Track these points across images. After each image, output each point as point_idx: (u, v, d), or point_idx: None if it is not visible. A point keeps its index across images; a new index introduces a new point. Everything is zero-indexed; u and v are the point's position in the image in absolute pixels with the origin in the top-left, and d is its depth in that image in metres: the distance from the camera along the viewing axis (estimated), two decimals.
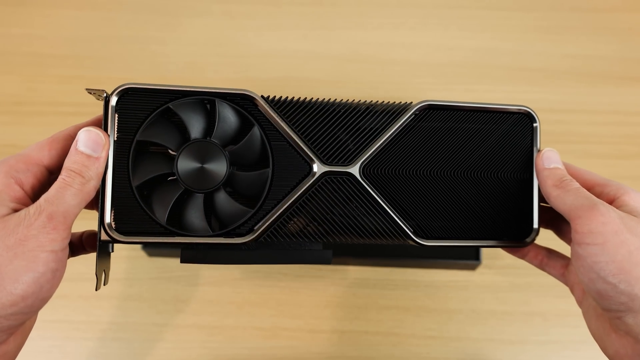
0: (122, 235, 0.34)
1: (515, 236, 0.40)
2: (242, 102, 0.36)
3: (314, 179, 0.36)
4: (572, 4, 0.65)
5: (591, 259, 0.33)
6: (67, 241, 0.31)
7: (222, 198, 0.36)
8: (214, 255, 0.36)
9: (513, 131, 0.40)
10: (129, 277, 0.55)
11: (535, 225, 0.40)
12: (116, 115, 0.34)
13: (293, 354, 0.53)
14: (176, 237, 0.35)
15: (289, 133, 0.36)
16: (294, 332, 0.54)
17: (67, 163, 0.32)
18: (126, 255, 0.55)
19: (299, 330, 0.54)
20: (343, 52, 0.62)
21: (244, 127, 0.36)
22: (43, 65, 0.60)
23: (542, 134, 0.60)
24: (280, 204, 0.36)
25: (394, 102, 0.38)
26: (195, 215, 0.35)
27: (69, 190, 0.31)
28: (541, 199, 0.40)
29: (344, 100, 0.37)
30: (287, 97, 0.36)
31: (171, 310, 0.54)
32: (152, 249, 0.54)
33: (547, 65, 0.63)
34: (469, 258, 0.55)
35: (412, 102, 0.38)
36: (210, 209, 0.36)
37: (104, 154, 0.33)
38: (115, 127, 0.34)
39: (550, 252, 0.43)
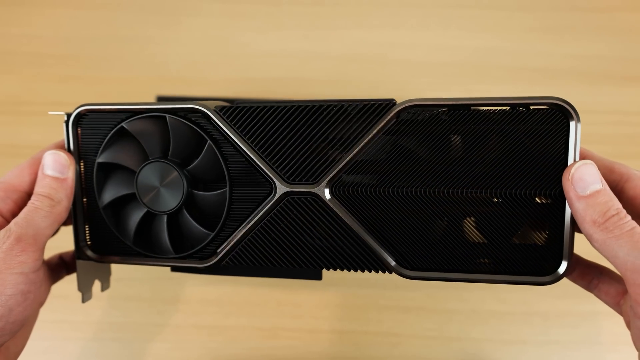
0: (96, 255, 0.35)
1: (531, 270, 0.30)
2: (194, 116, 0.33)
3: (274, 199, 0.33)
4: (572, 3, 0.65)
5: None
6: (39, 262, 0.31)
7: (183, 219, 0.35)
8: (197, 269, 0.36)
9: (536, 133, 0.29)
10: (129, 277, 0.55)
11: (565, 259, 0.29)
12: (79, 137, 0.35)
13: (293, 354, 0.53)
14: (144, 259, 0.35)
15: (244, 149, 0.32)
16: (294, 332, 0.54)
17: (36, 188, 0.33)
18: None
19: (299, 330, 0.54)
20: (343, 52, 0.62)
21: (201, 144, 0.34)
22: (43, 65, 0.60)
23: None
24: (241, 227, 0.33)
25: (372, 100, 0.30)
26: (159, 235, 0.35)
27: (38, 213, 0.31)
28: (574, 224, 0.29)
29: (308, 102, 0.31)
30: (244, 106, 0.32)
31: (171, 310, 0.54)
32: None
33: (547, 65, 0.63)
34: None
35: (394, 101, 0.30)
36: (175, 228, 0.35)
37: (70, 174, 0.33)
38: (79, 149, 0.35)
39: (603, 273, 0.33)
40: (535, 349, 0.54)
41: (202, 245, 0.34)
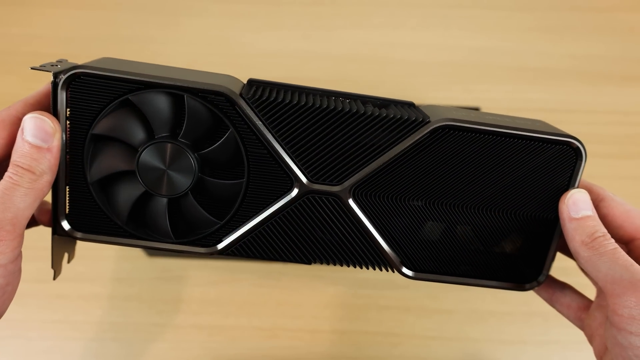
0: (79, 233, 0.32)
1: (516, 278, 0.34)
2: (217, 99, 0.30)
3: (292, 197, 0.32)
4: (572, 3, 0.65)
5: (634, 352, 0.26)
6: (19, 250, 0.27)
7: (188, 204, 0.32)
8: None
9: (548, 165, 0.32)
10: (129, 277, 0.55)
11: (545, 272, 0.34)
12: (68, 101, 0.30)
13: (293, 354, 0.53)
14: (136, 240, 0.32)
15: (270, 141, 0.31)
16: (294, 332, 0.54)
17: (15, 157, 0.27)
18: (126, 255, 0.55)
19: (299, 330, 0.54)
20: (343, 52, 0.62)
21: (219, 128, 0.31)
22: None
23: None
24: (251, 219, 0.32)
25: (407, 116, 0.31)
26: (157, 219, 0.32)
27: (17, 191, 0.27)
28: (562, 246, 0.33)
29: (345, 107, 0.31)
30: (274, 96, 0.31)
31: (171, 310, 0.54)
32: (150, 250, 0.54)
33: (547, 65, 0.63)
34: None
35: (429, 121, 0.31)
36: (176, 211, 0.33)
37: (55, 143, 0.28)
38: (67, 114, 0.30)
39: (564, 287, 0.36)
40: (535, 349, 0.54)
41: (207, 232, 0.32)
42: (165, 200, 0.32)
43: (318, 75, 0.61)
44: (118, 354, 0.53)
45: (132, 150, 0.31)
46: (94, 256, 0.54)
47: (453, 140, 0.31)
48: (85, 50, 0.61)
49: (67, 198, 0.31)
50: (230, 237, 0.32)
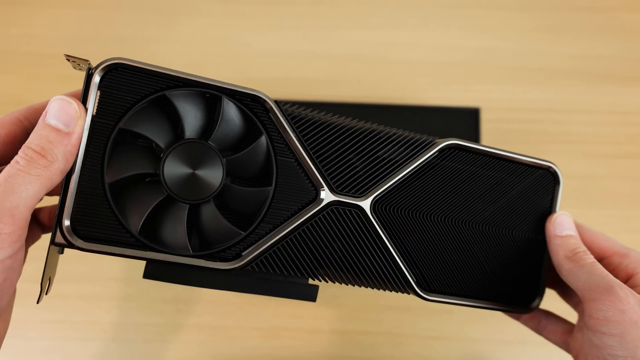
0: (81, 241, 0.27)
1: (519, 300, 0.37)
2: (251, 104, 0.30)
3: (319, 207, 0.31)
4: (572, 3, 0.65)
5: (607, 351, 0.29)
6: (20, 242, 0.24)
7: (209, 212, 0.30)
8: (185, 275, 0.30)
9: (535, 187, 0.37)
10: (129, 277, 0.55)
11: (540, 294, 0.37)
12: (98, 93, 0.28)
13: (293, 354, 0.53)
14: (149, 253, 0.28)
15: (299, 150, 0.31)
16: (294, 332, 0.54)
17: (29, 139, 0.25)
18: None
19: (299, 330, 0.54)
20: (343, 52, 0.62)
21: (248, 134, 0.31)
22: (43, 65, 0.60)
23: (542, 135, 0.60)
24: (276, 231, 0.30)
25: (419, 136, 0.34)
26: (175, 228, 0.29)
27: (22, 178, 0.24)
28: (552, 266, 0.37)
29: (366, 124, 0.33)
30: (303, 108, 0.32)
31: (171, 310, 0.54)
32: None
33: (547, 65, 0.63)
34: None
35: (437, 140, 0.35)
36: (191, 222, 0.30)
37: (77, 129, 0.26)
38: (95, 107, 0.28)
39: (549, 316, 0.39)
40: (535, 349, 0.54)
41: (229, 244, 0.30)
42: (185, 207, 0.29)
43: (318, 75, 0.61)
44: (118, 354, 0.53)
45: (154, 154, 0.29)
46: (94, 256, 0.54)
47: (457, 160, 0.35)
48: (85, 50, 0.61)
49: (74, 200, 0.27)
50: (253, 251, 0.30)
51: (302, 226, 0.31)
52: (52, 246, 0.28)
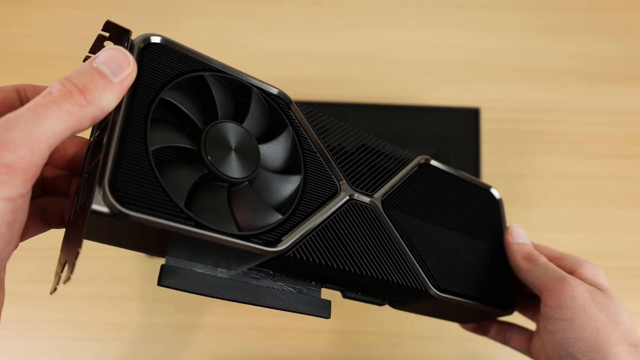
0: (126, 208, 0.23)
1: (501, 303, 0.40)
2: (276, 99, 0.32)
3: (344, 199, 0.32)
4: (572, 3, 0.65)
5: (560, 335, 0.33)
6: (30, 184, 0.21)
7: (247, 193, 0.28)
8: (199, 284, 0.28)
9: (487, 204, 0.42)
10: (129, 277, 0.55)
11: (514, 299, 0.40)
12: (140, 62, 0.27)
13: (293, 354, 0.53)
14: (194, 230, 0.25)
15: (321, 146, 0.33)
16: (294, 332, 0.54)
17: (71, 74, 0.22)
18: (126, 255, 0.55)
19: (299, 330, 0.54)
20: (343, 52, 0.62)
21: (270, 129, 0.32)
22: (43, 65, 0.60)
23: (542, 135, 0.60)
24: (309, 219, 0.30)
25: (402, 151, 0.38)
26: (216, 208, 0.27)
27: (51, 110, 0.21)
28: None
29: (364, 134, 0.36)
30: (315, 110, 0.34)
31: (171, 310, 0.54)
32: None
33: (547, 65, 0.63)
34: None
35: (414, 156, 0.39)
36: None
37: (125, 82, 0.23)
38: (137, 75, 0.26)
39: (512, 327, 0.43)
40: None
41: (275, 223, 0.29)
42: (226, 186, 0.28)
43: (318, 75, 0.61)
44: (118, 354, 0.53)
45: (190, 132, 0.28)
46: (94, 256, 0.54)
47: (432, 175, 0.39)
48: (85, 50, 0.61)
49: (116, 162, 0.24)
50: (292, 236, 0.29)
51: (331, 216, 0.32)
52: (93, 215, 0.23)
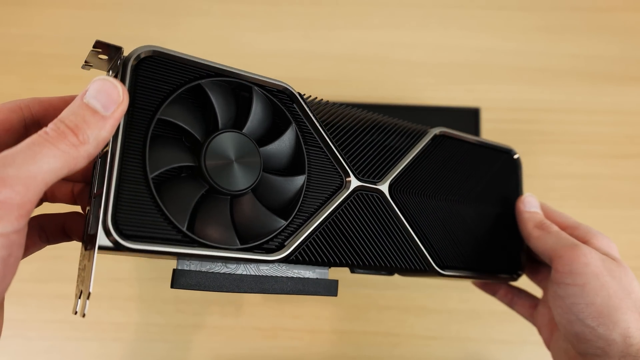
0: (129, 241, 0.24)
1: (509, 270, 0.41)
2: (278, 95, 0.31)
3: (348, 192, 0.32)
4: (572, 3, 0.65)
5: (570, 300, 0.33)
6: (26, 219, 0.22)
7: (250, 203, 0.29)
8: (212, 280, 0.29)
9: (505, 168, 0.42)
10: (129, 277, 0.55)
11: (523, 264, 0.41)
12: (134, 82, 0.26)
13: (293, 354, 0.53)
14: (196, 249, 0.26)
15: (325, 139, 0.32)
16: (294, 332, 0.54)
17: (63, 114, 0.23)
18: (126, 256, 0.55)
19: (299, 330, 0.54)
20: (343, 52, 0.62)
21: (275, 126, 0.31)
22: (43, 65, 0.60)
23: (542, 135, 0.60)
24: (313, 218, 0.31)
25: (415, 126, 0.38)
26: (219, 222, 0.28)
27: (47, 149, 0.21)
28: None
29: (373, 113, 0.36)
30: (321, 99, 0.34)
31: (171, 310, 0.54)
32: None
33: (547, 65, 0.63)
34: None
35: (429, 129, 0.38)
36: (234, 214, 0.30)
37: (116, 115, 0.23)
38: (132, 97, 0.26)
39: (520, 292, 0.44)
40: (534, 349, 0.54)
41: (274, 233, 0.29)
42: (228, 199, 0.28)
43: (318, 75, 0.61)
44: (118, 354, 0.53)
45: (186, 146, 0.28)
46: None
47: (447, 147, 0.39)
48: (85, 51, 0.61)
49: (117, 197, 0.25)
50: (294, 240, 0.30)
51: (335, 212, 0.32)
52: (101, 252, 0.25)
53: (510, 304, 0.44)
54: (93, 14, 0.63)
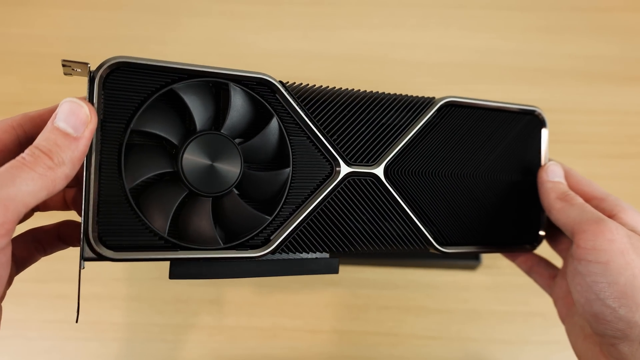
0: (112, 252, 0.26)
1: (523, 241, 0.39)
2: (258, 87, 0.30)
3: (337, 180, 0.32)
4: (572, 3, 0.65)
5: (591, 278, 0.31)
6: (8, 238, 0.23)
7: (232, 202, 0.30)
8: (210, 269, 0.30)
9: (525, 132, 0.39)
10: (129, 277, 0.55)
11: (542, 231, 0.39)
12: (103, 96, 0.27)
13: (293, 354, 0.53)
14: (180, 252, 0.28)
15: (311, 127, 0.31)
16: (294, 332, 0.54)
17: (37, 140, 0.24)
18: None
19: (299, 330, 0.54)
20: (343, 52, 0.62)
21: (258, 119, 0.31)
22: (43, 65, 0.60)
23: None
24: (300, 210, 0.31)
25: (417, 96, 0.35)
26: (201, 223, 0.29)
27: (24, 172, 0.23)
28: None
29: (367, 91, 0.34)
30: (307, 84, 0.32)
31: (171, 310, 0.54)
32: None
33: (547, 65, 0.63)
34: (470, 258, 0.55)
35: (434, 97, 0.36)
36: (214, 214, 0.30)
37: (86, 134, 0.25)
38: (102, 111, 0.27)
39: (540, 260, 0.42)
40: (534, 349, 0.54)
41: (259, 229, 0.30)
42: (209, 201, 0.29)
43: (318, 75, 0.61)
44: (118, 354, 0.53)
45: (166, 151, 0.29)
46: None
47: (455, 116, 0.36)
48: (85, 50, 0.61)
49: (97, 211, 0.26)
50: (281, 233, 0.30)
51: (324, 201, 0.32)
52: (84, 262, 0.27)
53: (529, 272, 0.42)
54: (93, 14, 0.63)
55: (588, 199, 0.36)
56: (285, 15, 0.63)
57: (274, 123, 0.30)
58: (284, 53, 0.62)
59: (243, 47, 0.62)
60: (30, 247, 0.32)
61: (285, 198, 0.30)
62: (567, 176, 0.38)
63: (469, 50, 0.63)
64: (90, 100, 0.26)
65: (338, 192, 0.32)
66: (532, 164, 0.39)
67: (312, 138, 0.31)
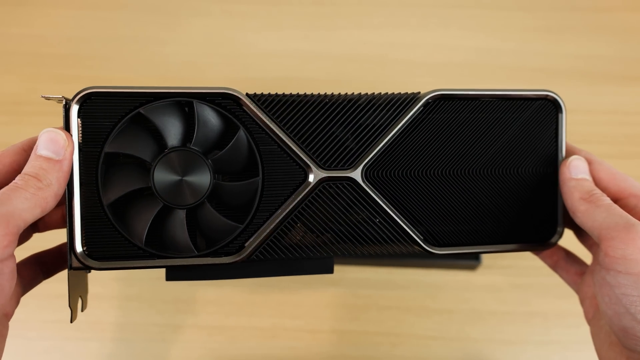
0: (95, 262, 0.30)
1: (537, 238, 0.36)
2: (224, 102, 0.32)
3: (310, 187, 0.32)
4: (572, 3, 0.65)
5: (620, 290, 0.28)
6: (10, 250, 0.25)
7: (206, 213, 0.32)
8: (202, 271, 0.32)
9: (535, 120, 0.35)
10: (129, 277, 0.55)
11: (560, 225, 0.36)
12: (79, 124, 0.30)
13: (293, 354, 0.53)
14: (157, 260, 0.31)
15: (279, 135, 0.32)
16: (294, 332, 0.54)
17: (25, 168, 0.28)
18: None
19: (299, 330, 0.54)
20: (343, 52, 0.62)
21: (228, 131, 0.32)
22: (43, 65, 0.60)
23: None
24: (273, 217, 0.32)
25: (399, 92, 0.34)
26: (177, 233, 0.31)
27: (18, 193, 0.26)
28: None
29: (341, 94, 0.33)
30: (275, 93, 0.32)
31: (171, 310, 0.54)
32: None
33: (547, 65, 0.63)
34: (470, 258, 0.55)
35: (420, 92, 0.34)
36: (194, 224, 0.32)
37: (67, 155, 0.28)
38: (80, 138, 0.30)
39: (568, 255, 0.39)
40: (535, 349, 0.54)
41: (230, 238, 0.32)
42: (183, 212, 0.31)
43: (318, 75, 0.61)
44: (118, 353, 0.53)
45: (145, 167, 0.31)
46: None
47: (445, 110, 0.34)
48: (85, 50, 0.61)
49: (80, 226, 0.30)
50: (255, 240, 0.32)
51: (297, 207, 0.32)
52: (71, 271, 0.31)
53: (554, 267, 0.39)
54: (93, 14, 0.63)
55: (623, 197, 0.33)
56: (285, 15, 0.63)
57: (241, 134, 0.32)
58: (284, 53, 0.62)
59: (243, 47, 0.62)
60: (36, 269, 0.34)
61: (257, 206, 0.32)
62: (599, 170, 0.34)
63: (469, 50, 0.63)
64: (67, 128, 0.30)
65: (313, 197, 0.32)
66: (544, 154, 0.36)
67: (282, 146, 0.32)
